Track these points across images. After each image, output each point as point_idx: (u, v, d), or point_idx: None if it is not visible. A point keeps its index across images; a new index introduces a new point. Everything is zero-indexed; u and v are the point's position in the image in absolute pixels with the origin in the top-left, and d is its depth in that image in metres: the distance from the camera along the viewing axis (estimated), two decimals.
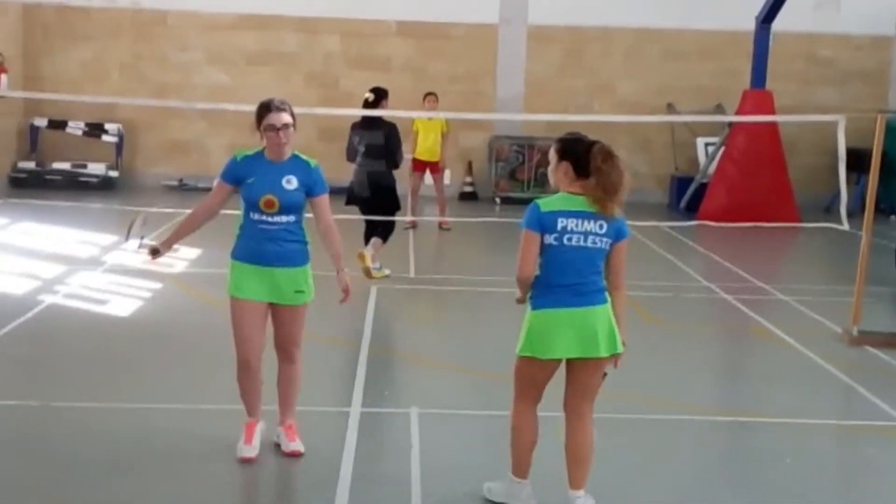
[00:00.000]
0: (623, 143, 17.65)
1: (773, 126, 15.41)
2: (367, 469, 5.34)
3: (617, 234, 4.82)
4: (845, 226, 10.40)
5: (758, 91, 15.56)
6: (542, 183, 17.13)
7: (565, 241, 4.71)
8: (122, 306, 8.79)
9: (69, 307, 8.71)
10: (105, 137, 16.81)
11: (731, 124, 15.68)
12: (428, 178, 13.89)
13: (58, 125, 16.71)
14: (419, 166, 13.69)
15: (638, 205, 16.95)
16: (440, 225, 13.77)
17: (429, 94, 13.78)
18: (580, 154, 4.73)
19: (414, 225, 13.40)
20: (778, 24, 15.59)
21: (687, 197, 16.32)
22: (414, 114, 13.30)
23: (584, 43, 17.55)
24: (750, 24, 15.69)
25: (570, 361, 4.81)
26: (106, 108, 16.43)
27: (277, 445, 5.52)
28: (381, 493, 5.08)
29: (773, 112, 15.30)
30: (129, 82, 17.02)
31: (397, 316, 9.53)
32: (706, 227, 13.99)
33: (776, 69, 15.95)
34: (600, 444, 5.48)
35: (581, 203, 4.72)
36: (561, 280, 4.74)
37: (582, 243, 4.71)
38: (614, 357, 4.84)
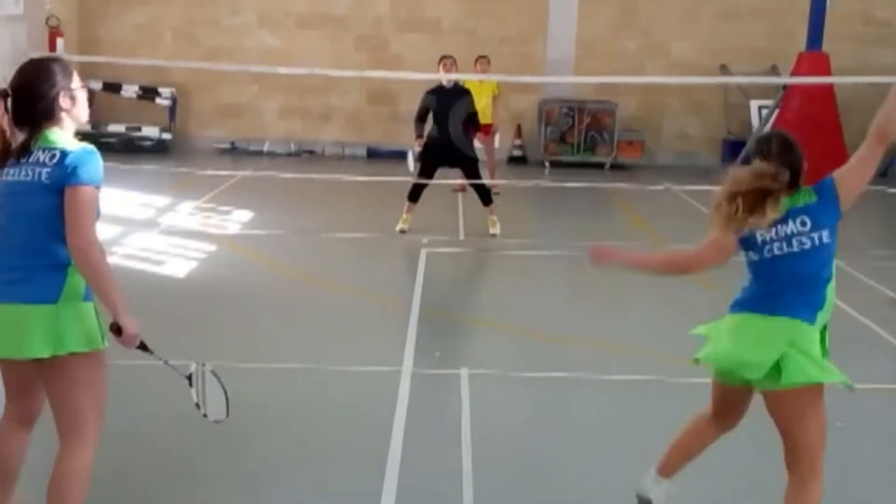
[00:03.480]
0: (675, 106, 17.53)
1: (828, 88, 15.15)
2: (419, 428, 5.42)
3: None
4: None
5: (814, 53, 15.28)
6: (591, 147, 17.04)
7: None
8: (177, 267, 8.96)
9: (126, 268, 8.87)
10: (159, 101, 17.01)
11: (785, 87, 15.44)
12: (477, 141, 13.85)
13: (112, 88, 16.93)
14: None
15: (689, 168, 16.85)
16: (490, 188, 13.75)
17: (480, 57, 13.74)
18: None
19: (463, 188, 13.42)
20: None
21: (739, 161, 16.12)
22: (465, 76, 13.27)
23: (635, 3, 17.34)
24: None
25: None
26: (159, 72, 16.62)
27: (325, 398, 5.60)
28: (432, 452, 5.16)
29: (829, 74, 15.03)
30: (181, 46, 17.17)
31: (447, 278, 9.59)
32: None
33: (833, 30, 15.64)
34: (652, 408, 5.50)
35: None
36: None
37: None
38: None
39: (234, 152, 17.16)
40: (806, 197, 3.89)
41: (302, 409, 5.73)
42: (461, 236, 10.83)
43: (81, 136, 3.79)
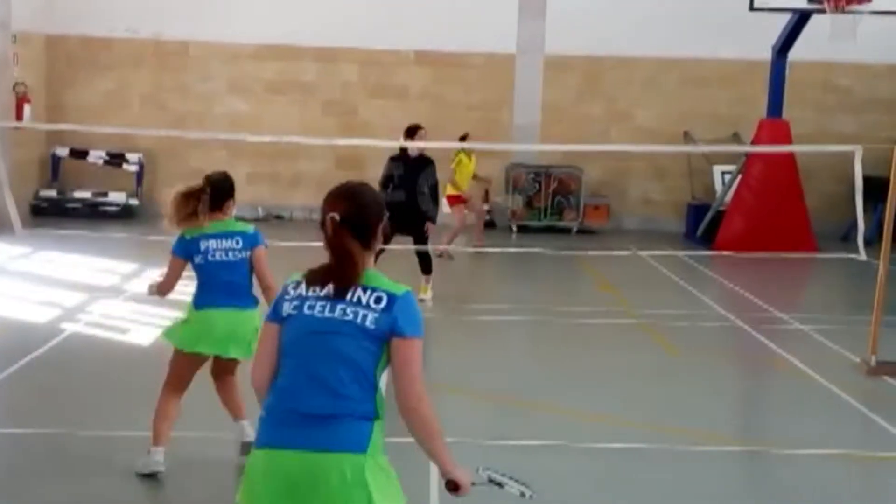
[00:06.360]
0: (639, 171, 17.76)
1: (789, 154, 15.43)
2: None
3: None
4: (862, 255, 10.41)
5: (774, 120, 15.59)
6: (558, 211, 17.20)
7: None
8: (143, 335, 8.87)
9: (91, 336, 8.80)
10: (126, 166, 16.99)
11: (747, 153, 15.72)
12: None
13: (79, 154, 16.90)
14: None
15: (654, 233, 17.03)
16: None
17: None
18: None
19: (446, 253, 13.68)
20: (794, 53, 15.64)
21: (703, 225, 16.33)
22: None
23: (601, 71, 17.65)
24: (767, 54, 15.75)
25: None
26: (127, 137, 16.61)
27: None
28: None
29: (789, 140, 15.32)
30: (150, 111, 17.22)
31: None
32: (723, 256, 14.01)
33: (793, 98, 15.99)
34: (620, 474, 5.48)
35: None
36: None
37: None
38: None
39: None
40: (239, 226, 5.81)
41: None
42: (429, 302, 10.83)
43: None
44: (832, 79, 17.75)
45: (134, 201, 16.81)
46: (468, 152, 14.15)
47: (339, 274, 3.19)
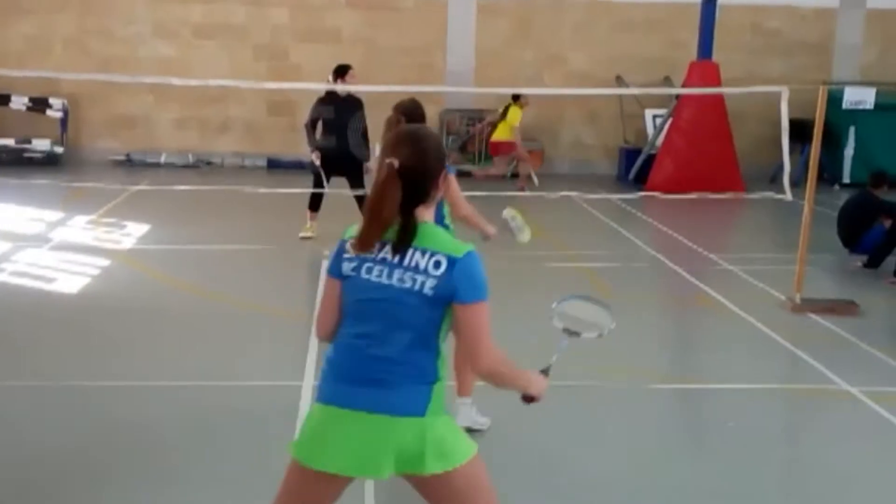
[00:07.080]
0: (572, 115, 17.81)
1: (719, 97, 15.60)
2: None
3: None
4: (789, 196, 10.58)
5: (704, 62, 15.72)
6: (491, 156, 17.19)
7: None
8: (70, 283, 8.72)
9: (16, 285, 8.61)
10: (49, 112, 16.57)
11: (678, 96, 15.84)
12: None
13: (1, 100, 16.42)
14: None
15: (587, 177, 17.15)
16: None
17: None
18: None
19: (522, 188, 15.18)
20: None
21: (635, 168, 16.49)
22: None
23: (533, 14, 17.59)
24: None
25: None
26: (50, 83, 16.19)
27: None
28: None
29: (719, 83, 15.47)
30: (73, 56, 16.77)
31: None
32: (654, 198, 14.16)
33: (723, 40, 16.12)
34: (549, 411, 5.53)
35: None
36: None
37: None
38: None
39: (130, 164, 16.82)
40: None
41: (202, 425, 5.63)
42: None
43: None
44: (761, 21, 17.93)
45: (59, 148, 16.44)
46: (520, 104, 14.98)
47: (391, 233, 3.02)
